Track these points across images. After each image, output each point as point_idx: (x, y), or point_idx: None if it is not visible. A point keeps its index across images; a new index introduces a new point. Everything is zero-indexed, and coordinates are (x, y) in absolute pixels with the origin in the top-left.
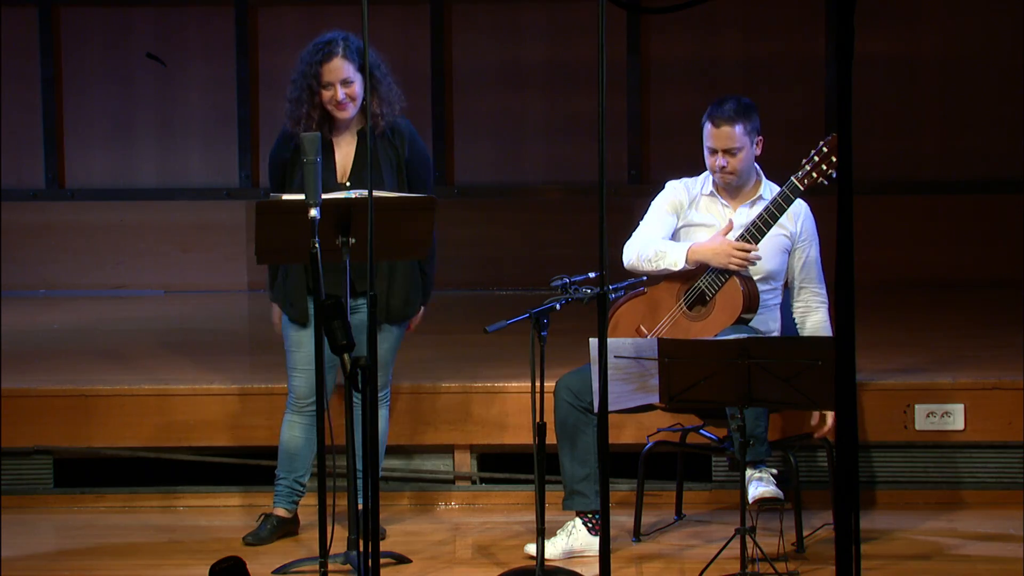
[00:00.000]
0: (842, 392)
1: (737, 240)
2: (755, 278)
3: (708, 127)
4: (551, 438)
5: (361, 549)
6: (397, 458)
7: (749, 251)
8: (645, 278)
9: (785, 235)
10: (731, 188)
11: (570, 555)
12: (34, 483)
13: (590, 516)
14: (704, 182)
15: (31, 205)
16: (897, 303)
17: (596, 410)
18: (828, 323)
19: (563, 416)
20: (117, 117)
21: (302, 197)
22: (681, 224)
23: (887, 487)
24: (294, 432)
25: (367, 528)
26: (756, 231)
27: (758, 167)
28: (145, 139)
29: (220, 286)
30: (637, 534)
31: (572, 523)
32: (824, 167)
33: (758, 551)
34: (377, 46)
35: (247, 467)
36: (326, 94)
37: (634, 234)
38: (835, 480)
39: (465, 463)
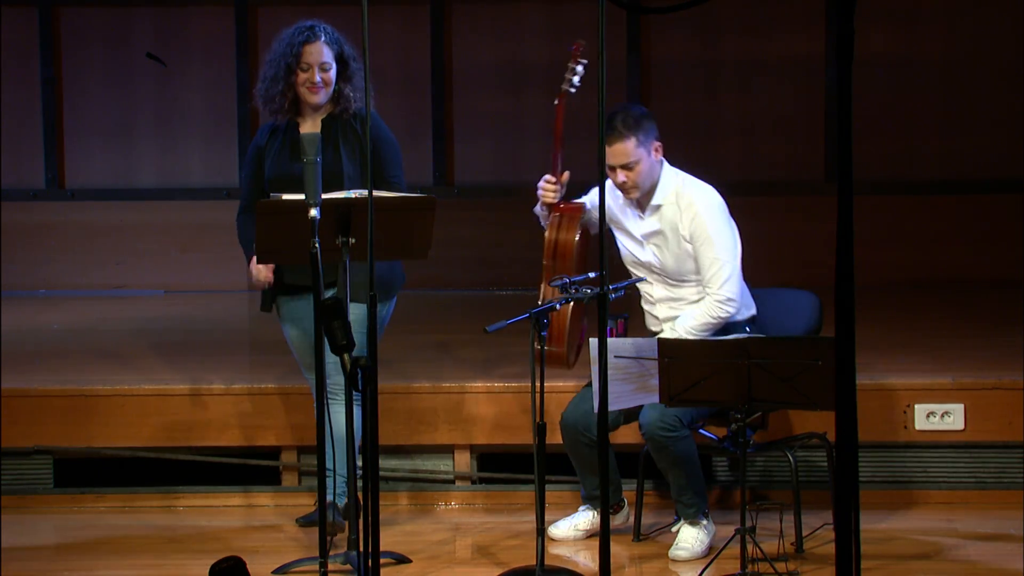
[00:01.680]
0: (842, 392)
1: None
2: (669, 281)
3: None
4: (551, 438)
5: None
6: (397, 458)
7: (549, 182)
8: (645, 278)
9: (684, 236)
10: (637, 199)
11: (590, 532)
12: (34, 483)
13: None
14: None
15: (31, 205)
16: (897, 303)
17: (596, 410)
18: (711, 314)
19: (573, 448)
20: (117, 117)
21: (302, 197)
22: (611, 224)
23: (887, 487)
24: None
25: (367, 528)
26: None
27: (664, 168)
28: (145, 139)
29: (220, 286)
30: (637, 534)
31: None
32: (567, 74)
33: (758, 551)
34: (377, 46)
35: (247, 467)
36: (302, 76)
37: None
38: (835, 480)
39: (465, 463)
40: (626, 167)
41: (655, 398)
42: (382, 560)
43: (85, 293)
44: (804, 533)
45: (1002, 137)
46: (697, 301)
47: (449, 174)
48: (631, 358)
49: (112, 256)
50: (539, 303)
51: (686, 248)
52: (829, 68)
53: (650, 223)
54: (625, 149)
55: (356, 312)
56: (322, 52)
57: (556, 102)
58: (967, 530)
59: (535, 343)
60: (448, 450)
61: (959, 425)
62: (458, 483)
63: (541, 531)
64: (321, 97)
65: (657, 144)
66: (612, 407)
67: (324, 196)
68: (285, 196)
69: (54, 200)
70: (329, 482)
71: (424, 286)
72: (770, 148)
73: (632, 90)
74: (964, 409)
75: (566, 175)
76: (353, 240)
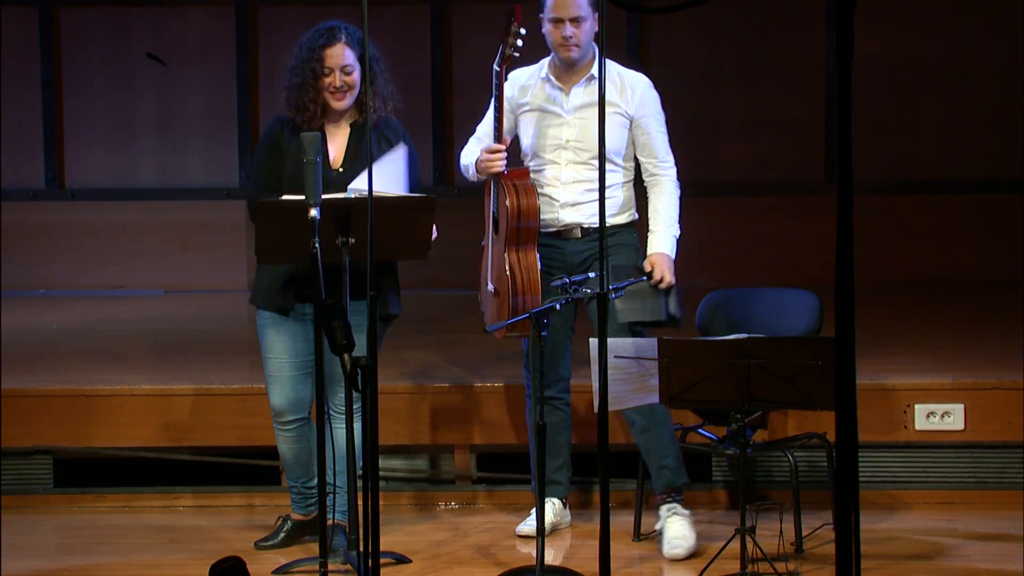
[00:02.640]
0: (842, 392)
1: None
2: (586, 157)
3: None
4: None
5: (361, 549)
6: (397, 458)
7: (495, 151)
8: (645, 278)
9: (618, 112)
10: (568, 66)
11: (554, 528)
12: (34, 483)
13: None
14: (540, 68)
15: (31, 205)
16: (897, 303)
17: (596, 410)
18: (675, 190)
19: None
20: (117, 117)
21: (302, 197)
22: (518, 113)
23: (887, 487)
24: (288, 445)
25: (367, 528)
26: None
27: (595, 46)
28: (145, 139)
29: (220, 286)
30: (637, 534)
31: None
32: (509, 39)
33: (758, 551)
34: (377, 46)
35: (247, 467)
36: (325, 80)
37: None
38: (835, 480)
39: (465, 463)
40: (575, 21)
41: (655, 398)
42: (382, 560)
43: (85, 293)
44: (804, 533)
45: (1002, 137)
46: (619, 184)
47: (449, 174)
48: (631, 358)
49: (112, 256)
50: (506, 274)
51: (616, 120)
52: (829, 68)
53: (580, 96)
54: (577, 1)
55: (361, 309)
56: (343, 55)
57: (498, 68)
58: (967, 530)
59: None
60: (448, 450)
61: (959, 425)
62: (458, 483)
63: (541, 531)
64: (347, 100)
65: (596, 15)
66: (612, 408)
67: (324, 196)
68: (285, 196)
69: (54, 200)
70: (303, 497)
71: (424, 286)
72: (770, 148)
73: None
74: (964, 409)
75: (508, 140)
76: (353, 240)
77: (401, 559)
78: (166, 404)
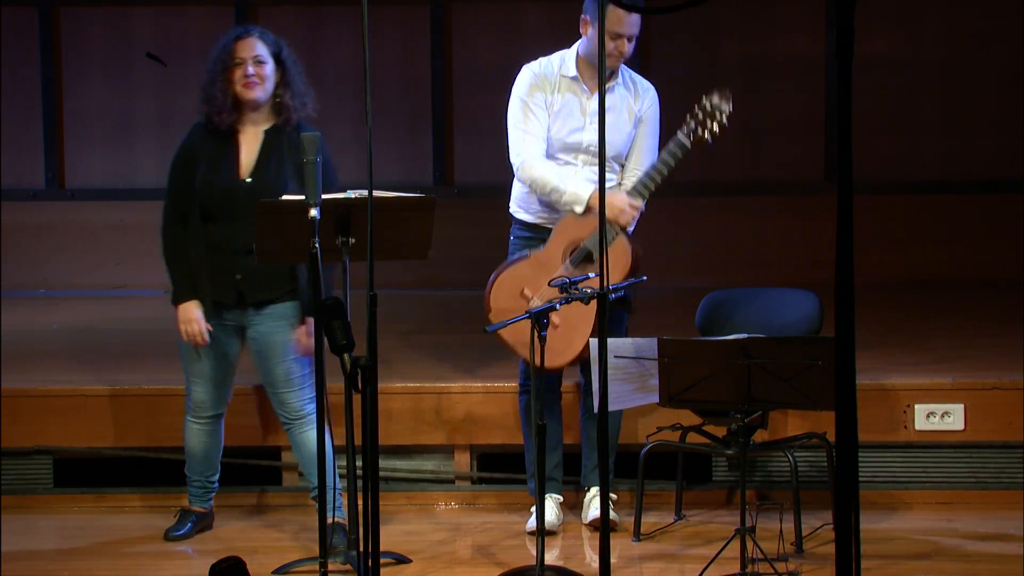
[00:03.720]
0: (842, 392)
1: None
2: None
3: (617, 12)
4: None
5: (361, 549)
6: (397, 458)
7: (637, 209)
8: (645, 278)
9: (636, 117)
10: (595, 72)
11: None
12: (34, 483)
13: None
14: (563, 64)
15: (31, 205)
16: (897, 303)
17: (596, 410)
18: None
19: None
20: (117, 117)
21: (302, 197)
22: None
23: (887, 487)
24: (201, 439)
25: (367, 528)
26: (643, 188)
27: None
28: (145, 139)
29: None
30: (637, 534)
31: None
32: (709, 122)
33: (758, 551)
34: (377, 46)
35: (246, 467)
36: (237, 72)
37: (517, 140)
38: (835, 480)
39: (465, 463)
40: (631, 37)
41: (655, 398)
42: (382, 560)
43: (85, 293)
44: (804, 533)
45: (1002, 137)
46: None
47: (449, 174)
48: (631, 358)
49: (112, 256)
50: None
51: (629, 127)
52: (829, 68)
53: (606, 100)
54: (638, 21)
55: (281, 313)
56: (255, 46)
57: (687, 144)
58: (967, 530)
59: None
60: (448, 450)
61: (959, 425)
62: (458, 483)
63: (541, 531)
64: (257, 94)
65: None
66: (612, 407)
67: (324, 196)
68: (285, 196)
69: (54, 200)
70: (206, 491)
71: (424, 286)
72: (770, 148)
73: None
74: (964, 409)
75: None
76: (353, 240)
77: (401, 559)
78: (166, 404)
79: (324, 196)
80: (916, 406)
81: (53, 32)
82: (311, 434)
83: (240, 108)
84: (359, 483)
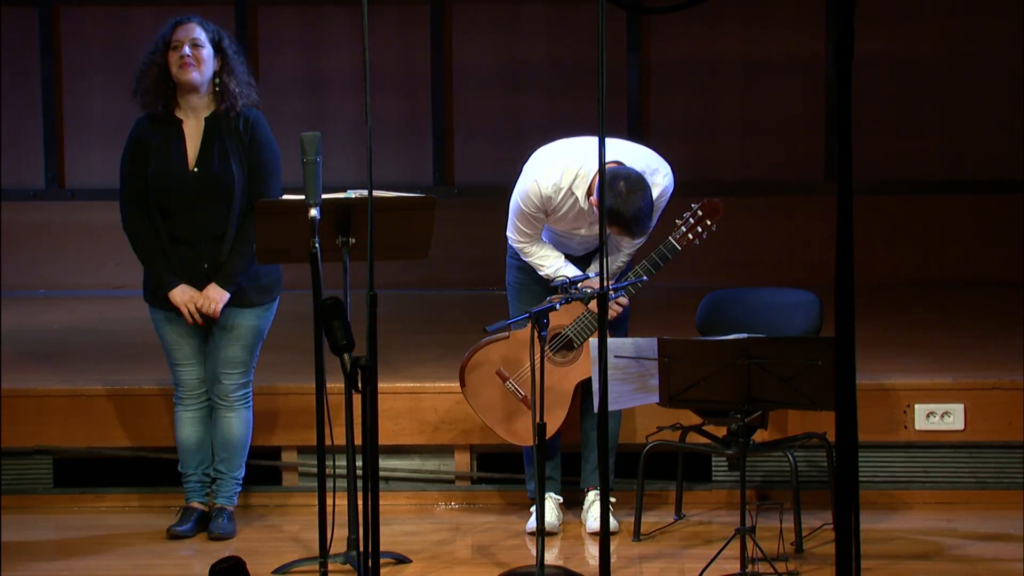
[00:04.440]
0: (842, 392)
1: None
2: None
3: (623, 238)
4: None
5: (361, 549)
6: (397, 458)
7: (623, 306)
8: (645, 278)
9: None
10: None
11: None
12: (34, 483)
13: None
14: (580, 193)
15: (31, 205)
16: (897, 303)
17: (596, 410)
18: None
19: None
20: (117, 117)
21: (302, 197)
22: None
23: (887, 487)
24: (193, 426)
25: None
26: (632, 288)
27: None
28: None
29: None
30: (637, 534)
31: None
32: (699, 229)
33: (758, 551)
34: (377, 46)
35: (247, 467)
36: (173, 55)
37: (515, 232)
38: (835, 480)
39: (465, 463)
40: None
41: (655, 398)
42: (382, 560)
43: (85, 293)
44: (804, 533)
45: (1002, 137)
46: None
47: (449, 174)
48: (631, 358)
49: (112, 256)
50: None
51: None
52: (829, 68)
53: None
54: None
55: (244, 320)
56: (192, 30)
57: (679, 247)
58: (967, 530)
59: (534, 343)
60: (448, 450)
61: (959, 425)
62: (458, 483)
63: (541, 531)
64: (193, 75)
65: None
66: (612, 407)
67: (324, 197)
68: (285, 196)
69: (54, 200)
70: (203, 485)
71: (424, 286)
72: (770, 148)
73: (632, 90)
74: (964, 409)
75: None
76: (353, 240)
77: (401, 559)
78: (166, 404)
79: (324, 196)
80: (916, 406)
81: (53, 32)
82: (234, 419)
83: (178, 93)
84: (359, 483)
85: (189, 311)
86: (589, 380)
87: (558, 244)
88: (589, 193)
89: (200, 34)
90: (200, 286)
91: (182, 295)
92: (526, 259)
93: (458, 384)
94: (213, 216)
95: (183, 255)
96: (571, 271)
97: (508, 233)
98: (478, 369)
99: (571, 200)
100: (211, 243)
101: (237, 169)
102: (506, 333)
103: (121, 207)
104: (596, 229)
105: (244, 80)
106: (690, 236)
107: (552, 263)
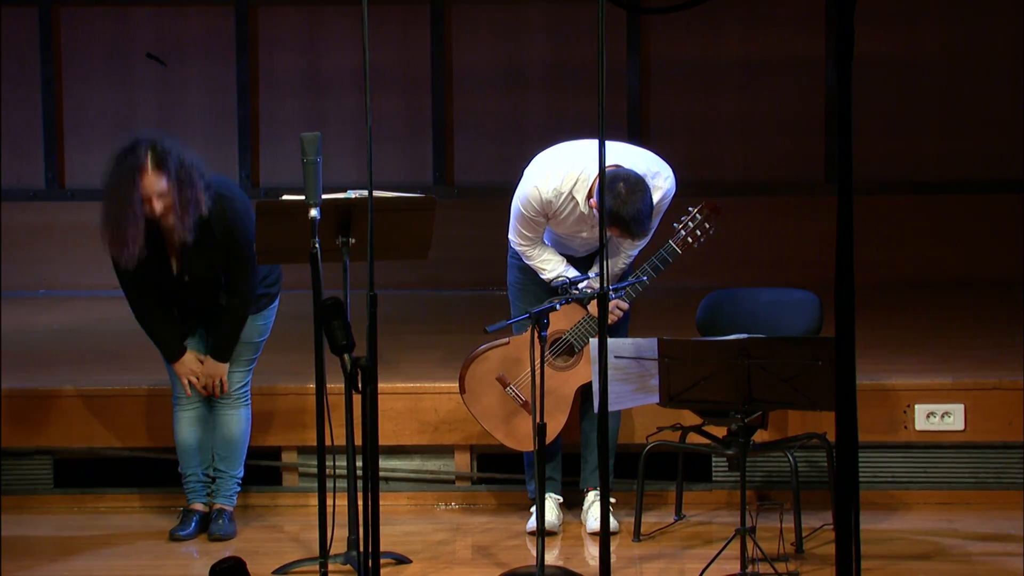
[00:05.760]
0: (842, 392)
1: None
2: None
3: (624, 239)
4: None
5: (361, 549)
6: (397, 458)
7: (623, 310)
8: (645, 278)
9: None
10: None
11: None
12: (34, 483)
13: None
14: (575, 198)
15: (31, 205)
16: (896, 303)
17: (596, 410)
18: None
19: None
20: (117, 117)
21: (302, 197)
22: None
23: (887, 487)
24: (192, 427)
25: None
26: (632, 291)
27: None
28: None
29: None
30: (637, 534)
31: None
32: (698, 232)
33: (758, 551)
34: (378, 46)
35: (247, 467)
36: (147, 207)
37: (517, 235)
38: (835, 480)
39: (465, 463)
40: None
41: (655, 398)
42: (382, 560)
43: (85, 293)
44: (804, 533)
45: (1002, 137)
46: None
47: (449, 174)
48: (631, 358)
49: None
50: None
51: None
52: (829, 68)
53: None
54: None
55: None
56: (154, 182)
57: (679, 250)
58: (967, 530)
59: (534, 344)
60: (448, 450)
61: (959, 425)
62: (458, 483)
63: (541, 531)
64: (173, 220)
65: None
66: (612, 408)
67: (324, 197)
68: (285, 197)
69: (54, 200)
70: (203, 486)
71: (424, 286)
72: (770, 148)
73: (632, 90)
74: (964, 409)
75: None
76: (353, 240)
77: (401, 559)
78: (166, 404)
79: (324, 197)
80: (916, 406)
81: (53, 32)
82: (234, 417)
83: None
84: (359, 483)
85: (192, 382)
86: (590, 383)
87: (560, 246)
88: (589, 196)
89: (162, 183)
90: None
91: (183, 367)
92: (528, 262)
93: (458, 385)
94: (206, 296)
95: (186, 327)
96: (572, 274)
97: (510, 236)
98: (478, 374)
99: (571, 204)
100: (209, 313)
101: (219, 264)
102: (506, 339)
103: (129, 305)
104: (597, 232)
105: (201, 183)
106: (689, 239)
107: (553, 266)
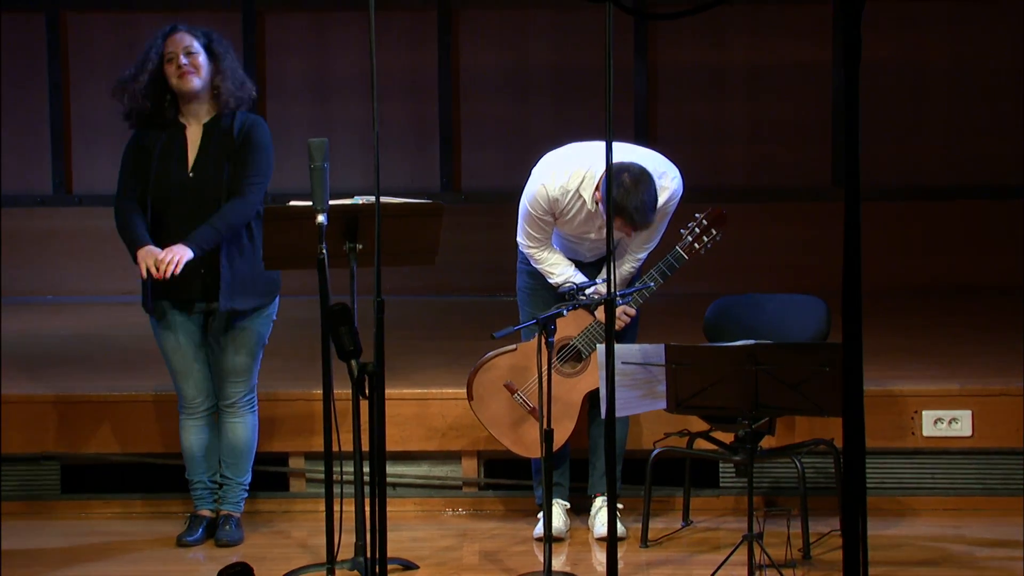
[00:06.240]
0: (849, 398)
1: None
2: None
3: (621, 221)
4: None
5: (369, 555)
6: (405, 464)
7: (631, 316)
8: (652, 284)
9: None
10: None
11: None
12: (41, 489)
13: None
14: (581, 196)
15: (38, 211)
16: (904, 309)
17: (603, 416)
18: (636, 265)
19: None
20: (123, 123)
21: (310, 203)
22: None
23: (894, 493)
24: (197, 435)
25: (374, 534)
26: (639, 296)
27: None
28: None
29: None
30: (645, 540)
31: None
32: (705, 238)
33: (765, 557)
34: (385, 53)
35: (255, 473)
36: (170, 68)
37: (525, 236)
38: (842, 486)
39: (472, 469)
40: (636, 230)
41: (662, 404)
42: (389, 566)
43: (92, 299)
44: (811, 539)
45: (1009, 143)
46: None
47: (456, 180)
48: (638, 364)
49: (119, 262)
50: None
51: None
52: (836, 74)
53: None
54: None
55: (244, 328)
56: (184, 39)
57: (685, 256)
58: (974, 537)
59: (541, 350)
60: (455, 456)
61: (966, 431)
62: (465, 489)
63: (549, 537)
64: (195, 82)
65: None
66: (620, 414)
67: (332, 203)
68: (292, 202)
69: (61, 206)
70: (210, 492)
71: (431, 292)
72: (777, 154)
73: (639, 96)
74: (971, 415)
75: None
76: (360, 246)
77: (408, 565)
78: (173, 411)
79: (332, 203)
80: (924, 412)
81: (60, 38)
82: (240, 425)
83: (180, 101)
84: (367, 489)
85: (151, 263)
86: (598, 390)
87: (568, 250)
88: (596, 191)
89: (192, 41)
90: (195, 291)
91: (146, 253)
92: (536, 266)
93: (465, 391)
94: (206, 218)
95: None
96: (580, 279)
97: (518, 238)
98: (486, 381)
99: (579, 203)
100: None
101: (228, 173)
102: (514, 345)
103: (115, 205)
104: (605, 233)
105: (238, 79)
106: (696, 246)
107: (562, 271)
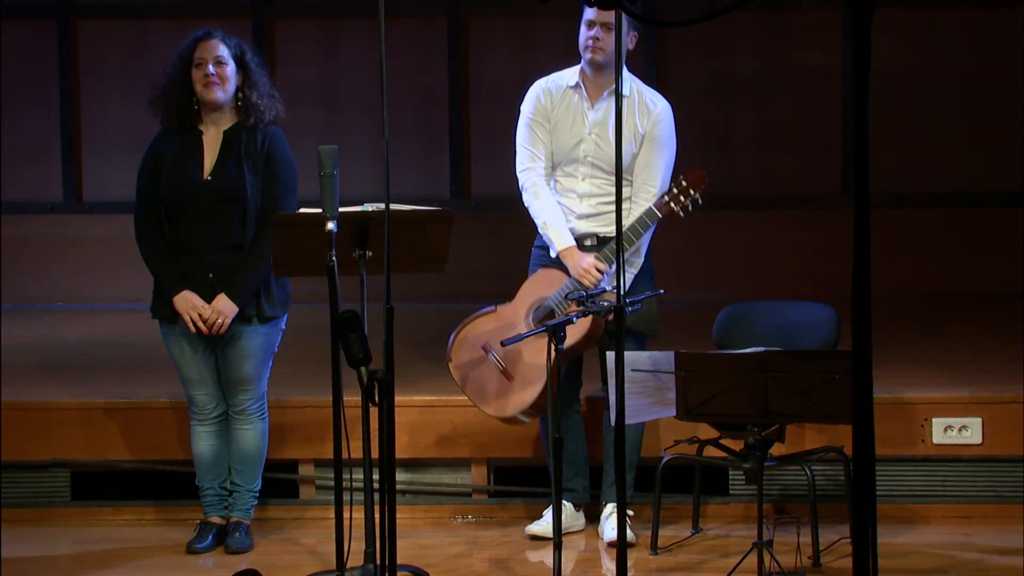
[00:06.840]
0: (859, 406)
1: (596, 257)
2: (602, 172)
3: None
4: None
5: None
6: (414, 471)
7: (602, 272)
8: (663, 291)
9: (631, 129)
10: (597, 74)
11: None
12: (51, 496)
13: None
14: (571, 75)
15: (49, 218)
16: (914, 316)
17: (612, 423)
18: (648, 219)
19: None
20: (135, 130)
21: (319, 211)
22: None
23: (904, 501)
24: (208, 441)
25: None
26: (612, 253)
27: (627, 67)
28: None
29: None
30: (654, 548)
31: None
32: (683, 198)
33: (775, 565)
34: (394, 60)
35: (264, 480)
36: (197, 73)
37: (522, 159)
38: (852, 494)
39: (482, 476)
40: (606, 26)
41: (672, 411)
42: (399, 573)
43: (102, 306)
44: (821, 547)
45: (1019, 150)
46: (629, 198)
47: (466, 187)
48: (648, 371)
49: (130, 269)
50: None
51: (630, 142)
52: (846, 82)
53: (600, 112)
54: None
55: (254, 338)
56: (216, 47)
57: (659, 214)
58: (985, 544)
59: (550, 356)
60: (465, 463)
61: (977, 439)
62: (475, 496)
63: (558, 544)
64: (218, 94)
65: (634, 34)
66: (629, 421)
67: (342, 210)
68: (302, 210)
69: (72, 213)
70: (220, 499)
71: (441, 299)
72: (787, 161)
73: None
74: (982, 423)
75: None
76: (370, 253)
77: (418, 572)
78: (184, 417)
79: (341, 210)
80: (934, 420)
81: (71, 45)
82: (250, 432)
83: (202, 109)
84: (376, 496)
85: (192, 319)
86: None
87: (561, 195)
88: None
89: (223, 51)
90: (204, 297)
91: (185, 303)
92: (529, 209)
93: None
94: (224, 225)
95: (189, 264)
96: (565, 242)
97: (516, 162)
98: (464, 345)
99: (572, 98)
100: (219, 253)
101: (251, 180)
102: (492, 306)
103: (136, 219)
104: (599, 150)
105: (267, 92)
106: (673, 205)
107: (552, 228)
